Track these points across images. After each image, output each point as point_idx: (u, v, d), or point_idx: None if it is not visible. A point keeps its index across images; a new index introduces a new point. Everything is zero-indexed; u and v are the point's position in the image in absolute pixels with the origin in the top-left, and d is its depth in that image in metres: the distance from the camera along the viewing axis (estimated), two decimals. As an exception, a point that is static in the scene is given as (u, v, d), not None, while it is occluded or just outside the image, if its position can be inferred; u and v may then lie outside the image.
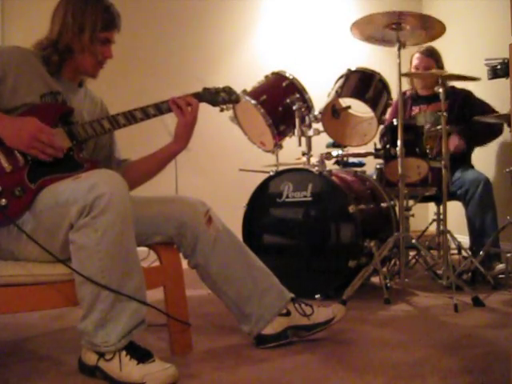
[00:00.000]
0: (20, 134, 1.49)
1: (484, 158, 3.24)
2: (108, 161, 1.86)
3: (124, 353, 1.43)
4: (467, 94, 3.16)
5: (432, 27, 2.53)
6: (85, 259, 1.42)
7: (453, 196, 2.88)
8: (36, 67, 1.64)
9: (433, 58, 3.18)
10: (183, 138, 1.80)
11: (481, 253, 2.68)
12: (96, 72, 1.75)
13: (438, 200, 2.98)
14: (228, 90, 1.91)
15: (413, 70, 3.23)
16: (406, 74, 2.59)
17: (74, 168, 1.58)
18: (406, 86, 3.37)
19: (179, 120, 1.76)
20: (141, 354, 1.44)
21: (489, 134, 3.11)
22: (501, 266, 2.72)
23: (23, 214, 1.48)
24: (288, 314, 1.76)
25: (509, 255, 2.63)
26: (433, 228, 3.26)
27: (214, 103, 1.88)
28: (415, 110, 3.32)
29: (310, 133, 2.65)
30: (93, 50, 1.68)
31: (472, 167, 3.13)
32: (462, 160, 3.03)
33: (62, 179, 1.52)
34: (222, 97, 1.88)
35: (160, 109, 1.74)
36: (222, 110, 1.91)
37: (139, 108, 1.70)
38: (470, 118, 2.89)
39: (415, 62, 3.23)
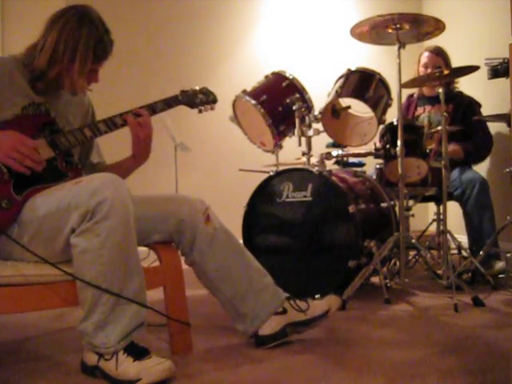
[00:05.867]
0: (0, 146, 1.47)
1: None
2: (83, 165, 1.84)
3: (121, 351, 1.44)
4: (472, 102, 3.18)
5: (431, 26, 2.53)
6: (87, 263, 1.43)
7: (450, 197, 2.88)
8: (17, 79, 1.61)
9: (441, 57, 3.19)
10: (140, 153, 1.78)
11: (481, 253, 2.68)
12: (76, 94, 1.73)
13: (438, 200, 2.99)
14: (205, 91, 1.92)
15: (421, 69, 3.24)
16: (405, 85, 2.60)
17: (58, 178, 1.58)
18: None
19: (132, 136, 1.74)
20: (138, 352, 1.45)
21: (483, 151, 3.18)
22: (500, 265, 2.72)
23: (11, 226, 1.49)
24: (284, 311, 1.77)
25: (509, 255, 2.63)
26: (433, 228, 3.26)
27: (191, 105, 1.89)
28: (420, 110, 3.33)
29: (310, 133, 2.65)
30: (78, 81, 1.65)
31: (469, 167, 3.13)
32: (465, 162, 3.04)
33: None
34: (199, 98, 1.89)
35: (139, 115, 1.73)
36: (200, 112, 1.92)
37: (118, 114, 1.70)
38: (468, 125, 2.93)
39: (424, 60, 3.23)
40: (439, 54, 3.19)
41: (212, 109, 1.94)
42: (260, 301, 1.75)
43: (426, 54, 3.23)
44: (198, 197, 1.79)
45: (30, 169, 1.51)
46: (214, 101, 1.93)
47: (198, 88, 1.92)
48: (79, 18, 1.63)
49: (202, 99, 1.90)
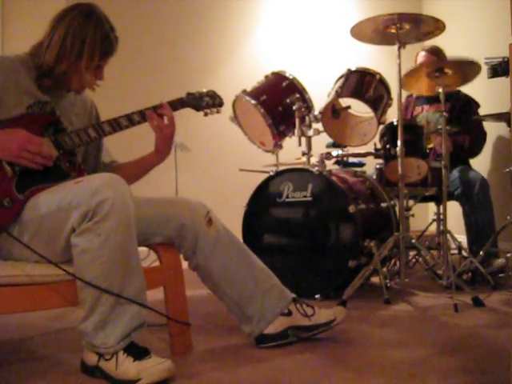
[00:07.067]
0: (9, 146, 1.48)
1: (483, 158, 3.24)
2: (95, 166, 1.86)
3: (121, 351, 1.44)
4: (469, 101, 3.18)
5: (431, 26, 2.53)
6: (87, 263, 1.42)
7: (450, 196, 2.88)
8: (22, 78, 1.61)
9: (438, 56, 3.19)
10: (163, 150, 1.80)
11: (481, 253, 2.68)
12: (82, 90, 1.74)
13: (438, 200, 2.99)
14: (212, 94, 1.91)
15: None
16: (406, 76, 2.60)
17: (60, 177, 1.57)
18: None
19: (157, 134, 1.75)
20: (138, 352, 1.44)
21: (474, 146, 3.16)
22: (499, 261, 2.72)
23: (12, 225, 1.49)
24: (289, 313, 1.76)
25: (509, 255, 2.62)
26: (433, 228, 3.26)
27: (197, 108, 1.88)
28: (418, 109, 3.33)
29: (310, 133, 2.65)
30: (86, 76, 1.66)
31: (469, 167, 3.14)
32: (458, 159, 3.03)
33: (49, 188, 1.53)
34: (205, 101, 1.89)
35: (145, 116, 1.73)
36: (206, 115, 1.91)
37: (124, 115, 1.70)
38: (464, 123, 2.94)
39: (420, 59, 3.24)
40: (435, 53, 3.20)
41: (218, 112, 1.93)
42: (266, 302, 1.75)
43: (423, 53, 3.24)
44: (198, 200, 1.79)
45: (41, 165, 1.51)
46: (220, 104, 1.92)
47: (204, 90, 1.90)
48: (85, 15, 1.64)
49: (208, 102, 1.89)
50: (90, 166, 1.84)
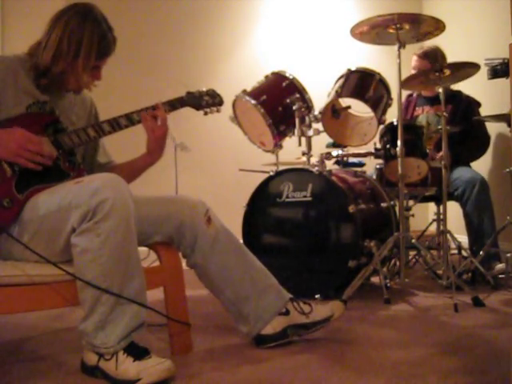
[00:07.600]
0: (8, 145, 1.48)
1: (483, 158, 3.23)
2: (91, 166, 1.86)
3: (121, 351, 1.44)
4: (471, 103, 3.18)
5: (431, 26, 2.54)
6: (87, 263, 1.42)
7: (450, 197, 2.88)
8: (22, 78, 1.62)
9: (427, 59, 3.20)
10: (156, 151, 1.79)
11: (481, 253, 2.68)
12: (81, 90, 1.74)
13: (438, 200, 2.99)
14: (211, 93, 1.91)
15: (412, 72, 3.25)
16: (405, 81, 2.60)
17: (60, 177, 1.58)
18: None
19: (149, 135, 1.75)
20: (138, 352, 1.44)
21: (476, 151, 3.18)
22: (500, 266, 2.72)
23: (12, 225, 1.49)
24: (287, 313, 1.77)
25: (509, 255, 2.63)
26: (433, 228, 3.26)
27: (197, 107, 1.88)
28: (418, 110, 3.33)
29: (310, 133, 2.65)
30: (83, 77, 1.66)
31: (469, 167, 3.14)
32: (458, 160, 3.04)
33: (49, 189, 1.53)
34: (205, 100, 1.89)
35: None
36: (205, 114, 1.91)
37: (123, 115, 1.70)
38: (467, 125, 2.94)
39: (412, 63, 3.29)
40: (425, 57, 3.21)
41: (218, 111, 1.93)
42: (263, 302, 1.75)
43: (414, 57, 3.27)
44: (198, 198, 1.79)
45: (41, 164, 1.52)
46: (220, 103, 1.92)
47: (204, 89, 1.90)
48: (82, 15, 1.64)
49: (208, 101, 1.89)
50: (87, 166, 1.84)
